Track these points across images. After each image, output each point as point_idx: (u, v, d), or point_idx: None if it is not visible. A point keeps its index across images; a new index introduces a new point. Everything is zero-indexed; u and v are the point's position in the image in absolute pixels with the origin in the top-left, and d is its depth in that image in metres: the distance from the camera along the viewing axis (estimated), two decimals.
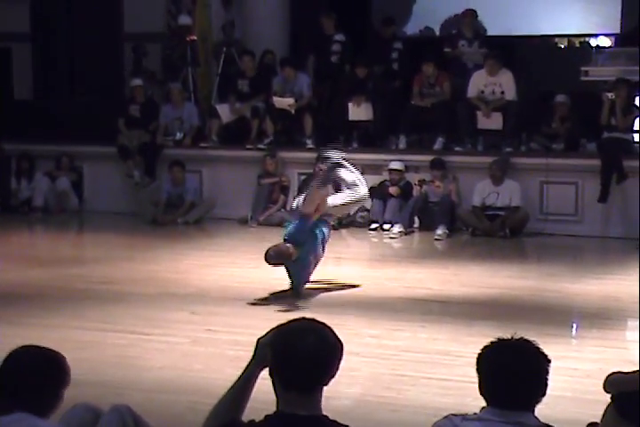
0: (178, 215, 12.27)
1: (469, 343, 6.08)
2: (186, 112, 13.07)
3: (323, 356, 2.85)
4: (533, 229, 11.26)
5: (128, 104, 13.32)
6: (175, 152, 12.90)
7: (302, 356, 2.82)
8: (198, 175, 12.82)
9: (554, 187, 11.37)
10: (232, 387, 3.10)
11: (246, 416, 3.03)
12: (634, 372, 4.03)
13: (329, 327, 2.93)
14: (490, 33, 13.63)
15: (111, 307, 7.50)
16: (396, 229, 11.22)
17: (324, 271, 9.14)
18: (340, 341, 2.92)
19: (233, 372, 3.18)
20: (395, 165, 11.71)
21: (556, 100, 11.73)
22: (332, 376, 2.90)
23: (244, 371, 3.09)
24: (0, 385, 3.18)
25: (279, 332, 2.94)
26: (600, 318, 7.34)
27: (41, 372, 3.20)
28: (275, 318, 5.28)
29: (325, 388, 2.97)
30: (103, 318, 7.11)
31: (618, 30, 13.45)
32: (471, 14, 12.79)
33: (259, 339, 3.08)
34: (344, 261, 9.76)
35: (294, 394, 2.84)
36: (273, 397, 2.88)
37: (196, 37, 13.56)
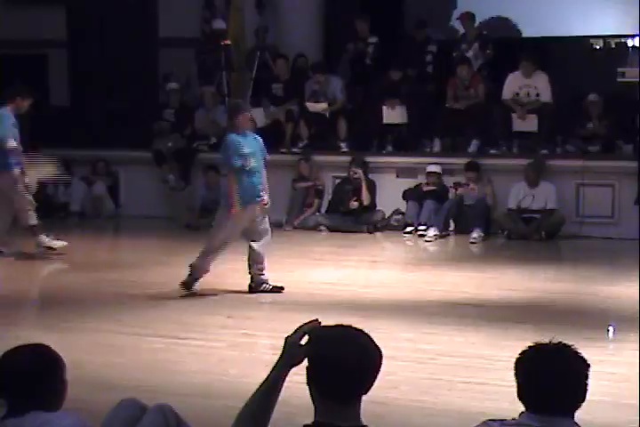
0: (212, 220, 12.25)
1: (506, 347, 6.04)
2: (220, 116, 13.11)
3: (363, 365, 2.78)
4: (569, 231, 11.18)
5: (162, 109, 13.37)
6: (210, 156, 12.93)
7: (343, 366, 2.74)
8: None
9: (590, 189, 11.28)
10: (259, 389, 3.02)
11: (279, 421, 3.00)
12: None
13: (367, 335, 2.86)
14: (525, 35, 13.58)
15: (146, 311, 7.53)
16: (432, 232, 11.18)
17: (358, 275, 9.14)
18: (379, 349, 2.85)
19: None
20: (432, 168, 11.66)
21: (588, 99, 11.65)
22: (372, 385, 2.83)
23: (272, 372, 3.02)
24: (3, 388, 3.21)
25: (317, 340, 2.87)
26: (637, 321, 7.25)
27: (34, 367, 3.19)
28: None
29: None
30: (138, 323, 7.13)
31: None
32: (467, 17, 12.73)
33: (287, 338, 3.04)
34: (379, 265, 9.75)
35: (334, 404, 2.77)
36: (307, 401, 2.86)
37: (230, 42, 13.59)
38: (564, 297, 8.13)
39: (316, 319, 2.99)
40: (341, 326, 2.90)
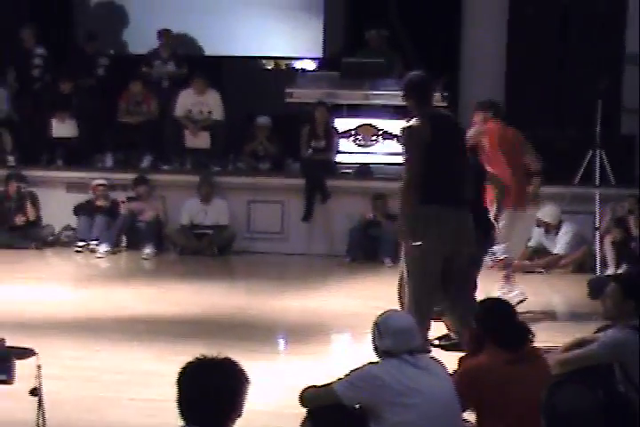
0: None
1: (174, 362, 5.95)
2: None
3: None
4: (241, 247, 11.38)
5: None
6: None
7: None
8: None
9: (260, 206, 11.55)
10: None
11: None
12: (326, 385, 4.15)
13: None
14: (198, 53, 13.71)
15: None
16: (103, 248, 10.99)
17: (24, 292, 8.82)
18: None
19: None
20: (98, 181, 11.46)
21: (258, 123, 11.95)
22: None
23: None
24: None
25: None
26: (302, 333, 7.50)
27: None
28: None
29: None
30: None
31: (321, 54, 13.92)
32: (166, 34, 12.76)
33: None
34: (47, 282, 9.44)
35: None
36: None
37: None
38: (235, 311, 8.24)
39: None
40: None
